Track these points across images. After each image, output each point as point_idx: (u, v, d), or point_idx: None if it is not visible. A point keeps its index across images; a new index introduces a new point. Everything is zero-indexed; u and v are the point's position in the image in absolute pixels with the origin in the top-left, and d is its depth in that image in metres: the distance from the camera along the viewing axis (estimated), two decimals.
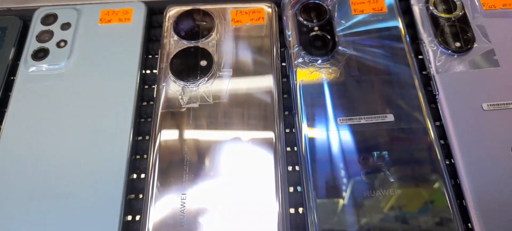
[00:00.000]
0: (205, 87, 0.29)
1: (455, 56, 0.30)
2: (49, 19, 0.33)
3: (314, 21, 0.31)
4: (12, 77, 0.31)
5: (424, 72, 0.30)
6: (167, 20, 0.32)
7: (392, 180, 0.25)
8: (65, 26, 0.32)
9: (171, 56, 0.30)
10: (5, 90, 0.31)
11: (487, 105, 0.28)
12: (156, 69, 0.32)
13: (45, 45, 0.31)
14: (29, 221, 0.25)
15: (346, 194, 0.25)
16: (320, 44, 0.30)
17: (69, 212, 0.25)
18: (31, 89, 0.30)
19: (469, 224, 0.25)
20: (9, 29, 0.33)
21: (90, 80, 0.30)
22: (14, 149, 0.28)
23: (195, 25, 0.32)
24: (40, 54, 0.31)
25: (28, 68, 0.31)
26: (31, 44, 0.31)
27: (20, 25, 0.33)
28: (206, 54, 0.30)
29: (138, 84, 0.30)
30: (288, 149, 0.28)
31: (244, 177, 0.26)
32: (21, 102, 0.29)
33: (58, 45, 0.31)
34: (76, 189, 0.26)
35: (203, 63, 0.30)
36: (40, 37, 0.32)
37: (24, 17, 0.34)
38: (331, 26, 0.31)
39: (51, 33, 0.32)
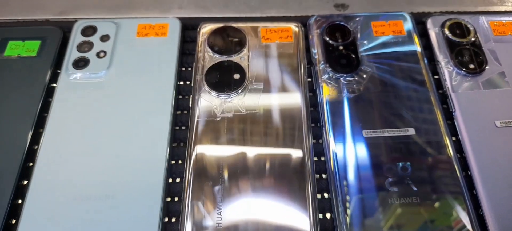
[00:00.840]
0: (238, 99, 0.31)
1: (469, 77, 0.32)
2: (89, 31, 0.35)
3: (339, 40, 0.34)
4: (52, 84, 0.33)
5: (440, 91, 0.33)
6: (201, 35, 0.35)
7: (414, 189, 0.27)
8: (105, 37, 0.34)
9: (206, 69, 0.32)
10: (46, 96, 0.32)
11: (500, 122, 0.30)
12: (189, 81, 0.33)
13: (86, 55, 0.33)
14: (72, 221, 0.26)
15: (371, 202, 0.27)
16: (345, 62, 0.33)
17: (111, 213, 0.27)
18: (72, 96, 0.31)
19: None
20: (49, 39, 0.34)
21: (129, 89, 0.32)
22: (56, 152, 0.29)
23: (229, 41, 0.34)
24: (81, 63, 0.33)
25: (69, 76, 0.32)
26: (72, 54, 0.33)
27: (61, 36, 0.35)
28: (239, 68, 0.32)
29: (174, 94, 0.32)
30: (315, 158, 0.30)
31: (276, 183, 0.27)
32: (62, 108, 0.31)
33: (98, 55, 0.33)
34: (117, 191, 0.27)
35: (236, 76, 0.32)
36: (81, 48, 0.34)
37: (62, 29, 0.36)
38: (355, 46, 0.34)
39: (91, 44, 0.34)
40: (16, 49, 0.34)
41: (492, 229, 0.26)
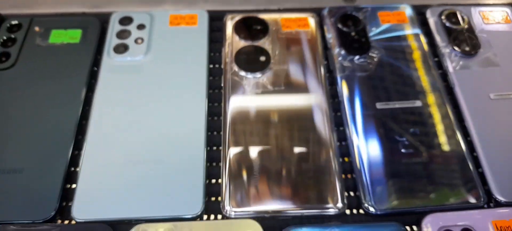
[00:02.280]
0: (264, 77, 0.35)
1: (465, 57, 0.37)
2: (126, 21, 0.38)
3: (351, 27, 0.38)
4: (95, 68, 0.36)
5: (440, 71, 0.37)
6: (227, 24, 0.38)
7: (423, 151, 0.32)
8: (141, 26, 0.38)
9: (235, 52, 0.36)
10: (90, 78, 0.35)
11: (494, 95, 0.35)
12: (218, 64, 0.37)
13: (125, 41, 0.37)
14: (125, 183, 0.30)
15: (387, 163, 0.31)
16: (357, 46, 0.37)
17: (160, 175, 0.30)
18: (115, 77, 0.35)
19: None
20: (90, 28, 0.38)
21: (167, 71, 0.35)
22: (103, 126, 0.32)
23: (253, 29, 0.38)
24: (121, 49, 0.36)
25: (111, 60, 0.36)
26: (113, 40, 0.37)
27: (99, 25, 0.38)
28: (264, 52, 0.36)
29: (207, 75, 0.35)
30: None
31: (304, 139, 0.31)
32: (106, 87, 0.34)
33: (136, 42, 0.37)
34: (164, 157, 0.31)
35: (262, 58, 0.36)
36: (120, 35, 0.37)
37: (100, 19, 0.39)
38: (365, 32, 0.38)
39: (129, 32, 0.37)
40: (60, 37, 0.37)
41: (491, 183, 0.30)
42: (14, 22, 0.38)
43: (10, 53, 0.36)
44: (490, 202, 0.31)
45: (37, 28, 0.38)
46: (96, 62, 0.36)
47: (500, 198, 0.30)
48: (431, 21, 0.40)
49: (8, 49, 0.36)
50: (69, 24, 0.38)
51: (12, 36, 0.37)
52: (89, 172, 0.30)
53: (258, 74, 0.35)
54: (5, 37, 0.37)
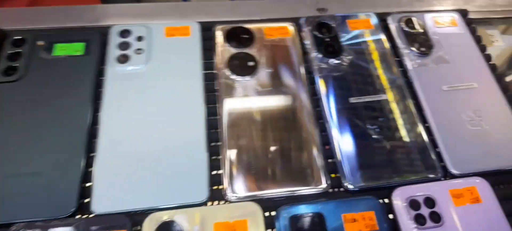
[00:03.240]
0: (254, 79, 0.40)
1: (422, 56, 0.43)
2: (125, 33, 0.42)
3: (325, 34, 0.44)
4: (100, 78, 0.40)
5: (401, 69, 0.44)
6: (217, 34, 0.43)
7: (390, 135, 0.38)
8: (140, 38, 0.42)
9: (227, 58, 0.41)
10: (96, 87, 0.39)
11: (446, 87, 0.41)
12: (211, 69, 0.42)
13: (126, 52, 0.41)
14: (137, 178, 0.34)
15: (358, 146, 0.37)
16: (331, 49, 0.43)
17: (169, 170, 0.34)
18: (119, 84, 0.39)
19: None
20: (91, 40, 0.41)
21: (167, 77, 0.39)
22: (113, 128, 0.36)
23: (242, 37, 0.43)
24: (123, 59, 0.40)
25: (114, 69, 0.39)
26: (114, 52, 0.40)
27: (100, 38, 0.42)
28: (252, 57, 0.41)
29: (203, 79, 0.40)
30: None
31: (290, 131, 0.37)
32: (113, 93, 0.38)
33: (136, 52, 0.41)
34: (172, 154, 0.35)
35: (251, 63, 0.41)
36: (121, 46, 0.41)
37: (100, 32, 0.43)
38: (337, 37, 0.44)
39: (129, 44, 0.41)
40: (64, 50, 0.40)
41: (446, 160, 0.37)
42: (18, 37, 0.41)
43: (17, 67, 0.39)
44: (447, 175, 0.37)
45: (40, 43, 0.41)
46: (100, 72, 0.40)
47: (454, 171, 0.36)
48: (392, 26, 0.46)
49: (15, 63, 0.39)
50: (72, 38, 0.41)
51: (20, 50, 0.40)
52: (103, 170, 0.34)
53: (248, 77, 0.40)
54: (13, 51, 0.40)
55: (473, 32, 0.48)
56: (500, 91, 0.42)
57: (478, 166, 0.37)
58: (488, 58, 0.46)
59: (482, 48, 0.46)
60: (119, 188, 0.33)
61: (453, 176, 0.37)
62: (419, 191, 0.35)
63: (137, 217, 0.32)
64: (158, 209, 0.33)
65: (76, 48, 0.40)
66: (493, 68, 0.45)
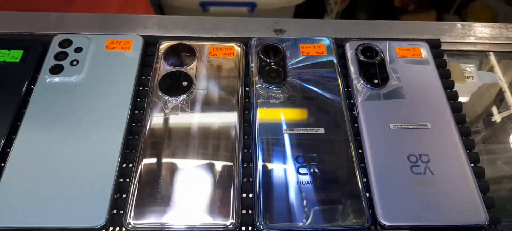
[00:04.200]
0: (184, 100, 0.38)
1: (373, 89, 0.40)
2: (65, 43, 0.42)
3: (271, 58, 0.41)
4: (31, 86, 0.39)
5: (352, 101, 0.40)
6: (158, 50, 0.42)
7: (320, 175, 0.34)
8: (78, 49, 0.41)
9: (160, 77, 0.39)
10: (25, 95, 0.39)
11: (393, 125, 0.37)
12: (144, 87, 0.40)
13: (61, 62, 0.40)
14: (37, 194, 0.33)
15: (283, 185, 0.34)
16: (275, 75, 0.40)
17: (72, 187, 0.33)
18: (47, 95, 0.38)
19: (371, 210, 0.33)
20: (31, 49, 0.41)
21: (95, 91, 0.38)
22: (28, 140, 0.35)
23: (181, 55, 0.41)
24: (56, 70, 0.40)
25: (45, 80, 0.39)
26: (50, 61, 0.40)
27: (41, 47, 0.42)
28: (187, 77, 0.40)
29: (132, 96, 0.38)
30: (245, 150, 0.37)
31: (210, 160, 0.34)
32: (38, 105, 0.37)
33: (71, 63, 0.40)
34: (80, 170, 0.34)
35: (185, 83, 0.39)
36: (57, 57, 0.41)
37: (44, 41, 0.43)
38: (284, 62, 0.41)
39: (66, 54, 0.41)
40: (2, 56, 0.40)
41: (377, 208, 0.33)
42: None
43: None
44: (376, 225, 0.33)
45: None
46: (33, 81, 0.39)
47: (384, 222, 0.32)
48: (348, 54, 0.43)
49: None
50: (12, 45, 0.41)
51: None
52: (7, 183, 0.33)
53: (177, 98, 0.38)
54: None
55: (441, 65, 0.43)
56: (457, 135, 0.37)
57: (413, 219, 0.33)
58: (453, 96, 0.41)
59: (449, 85, 0.42)
60: (18, 203, 0.32)
61: (382, 228, 0.33)
62: None
63: None
64: (50, 229, 0.31)
65: (13, 55, 0.40)
66: (456, 108, 0.40)
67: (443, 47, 0.45)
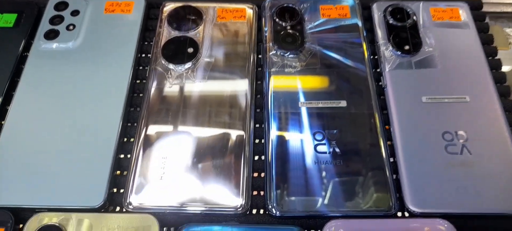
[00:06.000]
0: (189, 70, 0.34)
1: (403, 57, 0.35)
2: (61, 6, 0.38)
3: (287, 21, 0.37)
4: (26, 53, 0.36)
5: (379, 70, 0.35)
6: (162, 13, 0.38)
7: (340, 153, 0.30)
8: (75, 13, 0.38)
9: (163, 43, 0.36)
10: (19, 63, 0.36)
11: (426, 98, 0.33)
12: (146, 54, 0.37)
13: (56, 27, 0.37)
14: (33, 171, 0.30)
15: (303, 163, 0.30)
16: (291, 40, 0.36)
17: (69, 164, 0.30)
18: (42, 63, 0.35)
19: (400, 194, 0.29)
20: (26, 12, 0.38)
21: (93, 59, 0.35)
22: (22, 113, 0.33)
23: (186, 19, 0.37)
24: (51, 35, 0.36)
25: (40, 46, 0.36)
26: (44, 26, 0.37)
27: (36, 10, 0.38)
28: (193, 43, 0.36)
29: (133, 65, 0.35)
30: (257, 125, 0.33)
31: (216, 136, 0.31)
32: (32, 73, 0.34)
33: (67, 28, 0.37)
34: (76, 146, 0.31)
35: (190, 50, 0.35)
36: (52, 21, 0.37)
37: (39, 4, 0.39)
38: (302, 27, 0.36)
39: (62, 18, 0.37)
40: None
41: (405, 192, 0.29)
42: None
43: None
44: (403, 211, 0.29)
45: None
46: (28, 47, 0.36)
47: (413, 208, 0.29)
48: (376, 16, 0.37)
49: None
50: (5, 8, 0.38)
51: None
52: (0, 158, 0.31)
53: (183, 67, 0.34)
54: None
55: (482, 29, 0.38)
56: (501, 109, 0.32)
57: (447, 205, 0.29)
58: (495, 65, 0.36)
59: (491, 52, 0.36)
60: (12, 181, 0.30)
61: (411, 214, 0.29)
62: (359, 227, 0.28)
63: (23, 213, 0.29)
64: (47, 208, 0.29)
65: (7, 19, 0.37)
66: (500, 78, 0.35)
67: (485, 8, 0.40)
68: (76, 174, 0.30)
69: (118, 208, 0.30)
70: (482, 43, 0.36)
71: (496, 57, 0.36)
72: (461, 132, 0.31)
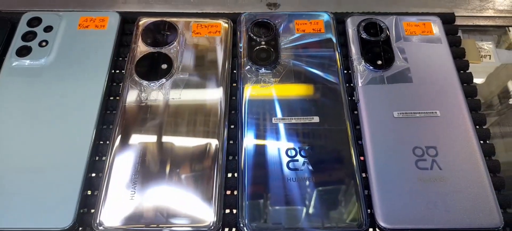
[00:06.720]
0: (163, 86, 0.34)
1: (376, 72, 0.35)
2: (34, 21, 0.38)
3: (262, 36, 0.37)
4: None
5: (352, 84, 0.36)
6: (137, 28, 0.38)
7: (312, 169, 0.30)
8: (48, 28, 0.37)
9: (137, 59, 0.35)
10: None
11: (398, 113, 0.33)
12: (120, 70, 0.36)
13: (29, 44, 0.36)
14: (5, 188, 0.30)
15: (274, 179, 0.30)
16: (265, 56, 0.36)
17: (38, 183, 0.30)
18: (13, 80, 0.34)
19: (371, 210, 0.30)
20: None
21: (65, 75, 0.35)
22: None
23: (161, 34, 0.37)
24: (24, 52, 0.36)
25: (12, 63, 0.35)
26: (17, 43, 0.36)
27: (8, 26, 0.38)
28: (167, 59, 0.35)
29: (106, 81, 0.35)
30: (231, 142, 0.33)
31: (189, 159, 0.31)
32: (3, 91, 0.34)
33: (40, 44, 0.36)
34: (46, 164, 0.30)
35: (164, 66, 0.35)
36: (25, 37, 0.37)
37: (13, 20, 0.39)
38: (276, 42, 0.37)
39: (34, 34, 0.37)
40: None
41: (376, 207, 0.29)
42: None
43: None
44: (374, 228, 0.30)
45: None
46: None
47: (384, 224, 0.29)
48: (350, 31, 0.38)
49: None
50: None
51: None
52: None
53: (156, 83, 0.34)
54: None
55: (455, 43, 0.38)
56: (470, 124, 0.33)
57: (417, 221, 0.29)
58: (467, 79, 0.36)
59: (462, 65, 0.37)
60: None
61: (382, 230, 0.29)
62: None
63: None
64: (14, 230, 0.28)
65: None
66: (470, 92, 0.35)
67: (458, 22, 0.40)
68: (45, 194, 0.29)
69: (88, 229, 0.30)
70: (454, 57, 0.37)
71: (468, 71, 0.37)
72: (431, 147, 0.31)
